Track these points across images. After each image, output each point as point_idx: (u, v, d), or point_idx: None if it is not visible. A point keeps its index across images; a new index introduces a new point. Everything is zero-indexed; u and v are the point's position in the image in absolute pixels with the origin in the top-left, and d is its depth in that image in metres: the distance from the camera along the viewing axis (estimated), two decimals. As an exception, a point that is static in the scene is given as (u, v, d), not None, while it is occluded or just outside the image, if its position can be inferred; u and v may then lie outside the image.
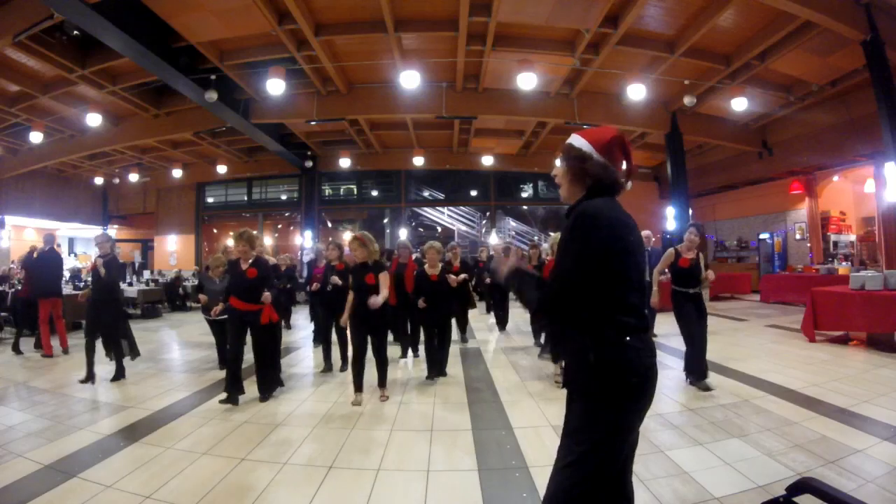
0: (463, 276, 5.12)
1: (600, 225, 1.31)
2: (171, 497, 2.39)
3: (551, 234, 5.13)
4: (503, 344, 6.61)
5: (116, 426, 3.41)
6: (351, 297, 4.03)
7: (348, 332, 4.26)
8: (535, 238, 15.67)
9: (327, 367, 5.11)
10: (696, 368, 4.16)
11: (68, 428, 3.37)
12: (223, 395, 3.93)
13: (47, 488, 2.44)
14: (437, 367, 4.75)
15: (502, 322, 7.76)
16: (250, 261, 4.03)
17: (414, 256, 5.69)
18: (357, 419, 3.56)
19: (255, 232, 4.18)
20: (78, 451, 2.94)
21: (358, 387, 3.96)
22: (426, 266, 4.81)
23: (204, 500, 2.37)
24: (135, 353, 5.44)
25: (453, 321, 6.64)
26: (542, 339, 5.85)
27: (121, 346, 4.91)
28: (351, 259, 4.33)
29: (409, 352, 5.74)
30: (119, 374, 4.76)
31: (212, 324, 5.04)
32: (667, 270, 4.38)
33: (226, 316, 4.22)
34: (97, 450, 2.97)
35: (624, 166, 1.47)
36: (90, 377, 4.64)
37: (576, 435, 1.34)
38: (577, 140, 1.49)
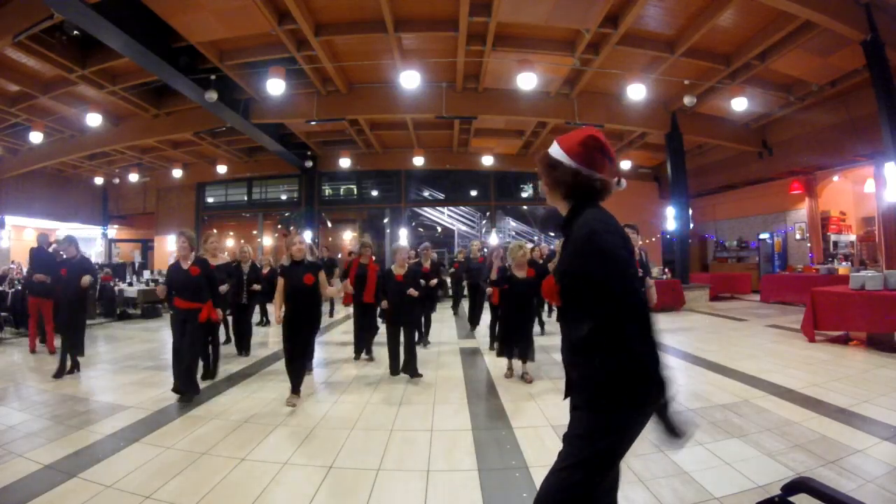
0: (411, 290, 4.81)
1: (614, 244, 1.31)
2: (171, 497, 2.38)
3: (524, 241, 5.15)
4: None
5: (116, 426, 3.40)
6: (279, 298, 3.98)
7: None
8: (535, 238, 15.69)
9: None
10: None
11: (68, 428, 3.37)
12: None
13: (47, 488, 2.44)
14: (407, 367, 4.71)
15: (475, 322, 7.56)
16: (191, 260, 4.12)
17: (374, 257, 5.71)
18: (356, 420, 3.56)
19: (193, 234, 4.31)
20: (78, 451, 2.94)
21: (295, 388, 3.97)
22: (394, 266, 4.89)
23: (204, 500, 2.37)
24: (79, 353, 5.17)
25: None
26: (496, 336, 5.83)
27: (81, 347, 4.97)
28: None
29: (363, 352, 5.64)
30: (73, 368, 4.85)
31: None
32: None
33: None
34: (97, 450, 2.97)
35: (602, 167, 1.44)
36: (74, 366, 4.90)
37: (579, 440, 1.33)
38: (553, 147, 1.49)
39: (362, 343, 5.61)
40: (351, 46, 8.10)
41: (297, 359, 3.99)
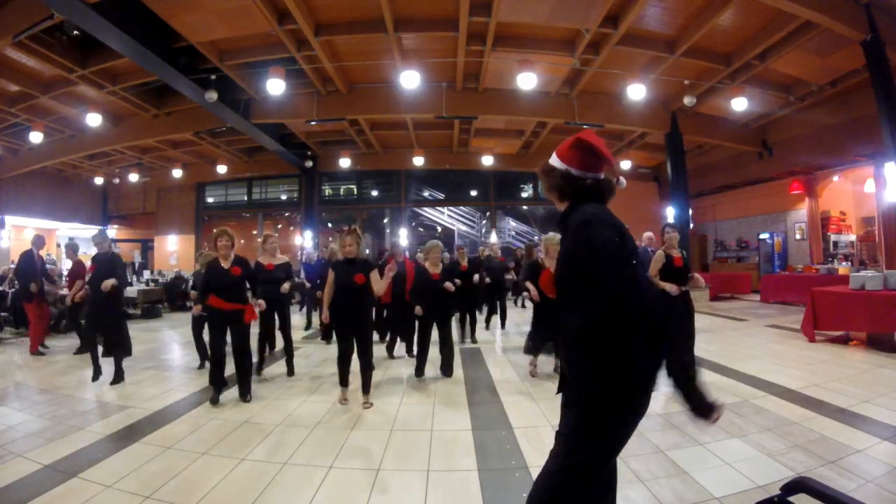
0: (447, 284, 4.81)
1: (605, 237, 1.31)
2: (171, 497, 2.39)
3: (547, 235, 4.96)
4: (502, 343, 6.61)
5: (116, 426, 3.40)
6: (328, 292, 3.87)
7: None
8: (535, 238, 15.69)
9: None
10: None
11: (68, 428, 3.36)
12: (214, 397, 3.96)
13: (47, 488, 2.44)
14: (446, 366, 4.78)
15: (503, 320, 7.81)
16: (231, 259, 4.01)
17: (407, 255, 5.71)
18: (357, 419, 3.56)
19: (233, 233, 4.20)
20: (78, 451, 2.94)
21: (345, 383, 3.96)
22: (427, 264, 4.79)
23: (204, 500, 2.37)
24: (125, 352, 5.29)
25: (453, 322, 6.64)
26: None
27: (122, 347, 4.81)
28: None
29: (404, 352, 5.75)
30: (118, 377, 4.63)
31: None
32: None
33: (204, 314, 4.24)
34: (97, 450, 2.97)
35: (595, 166, 1.47)
36: (98, 373, 4.64)
37: (571, 438, 1.33)
38: (552, 156, 1.55)
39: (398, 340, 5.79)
40: (351, 46, 8.09)
41: (350, 360, 3.90)
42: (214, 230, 4.14)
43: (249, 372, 4.13)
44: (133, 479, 2.56)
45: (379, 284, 3.80)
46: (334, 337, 4.12)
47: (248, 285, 4.18)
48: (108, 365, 4.73)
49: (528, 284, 4.59)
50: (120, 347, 4.78)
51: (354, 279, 3.74)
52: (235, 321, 3.99)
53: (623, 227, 1.39)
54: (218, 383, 4.00)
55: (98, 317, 4.75)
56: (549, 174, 1.53)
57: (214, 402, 3.91)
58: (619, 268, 1.28)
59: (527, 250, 5.55)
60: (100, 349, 4.72)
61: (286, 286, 4.94)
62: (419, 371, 4.71)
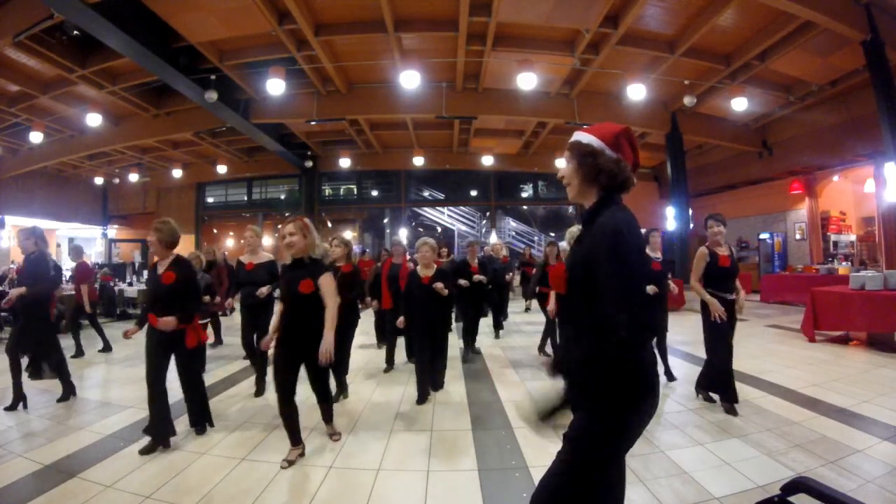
0: (438, 284, 4.01)
1: (637, 243, 1.30)
2: (171, 497, 2.39)
3: (570, 231, 4.53)
4: (502, 343, 6.60)
5: (116, 426, 3.40)
6: (278, 312, 2.98)
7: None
8: (536, 238, 15.72)
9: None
10: (722, 386, 3.66)
11: (68, 428, 3.37)
12: (145, 442, 2.96)
13: (47, 488, 2.45)
14: (432, 382, 4.19)
15: (498, 325, 7.36)
16: (168, 261, 3.09)
17: (409, 256, 5.42)
18: (356, 420, 3.56)
19: (173, 224, 3.14)
20: (78, 451, 2.94)
21: (295, 440, 2.85)
22: (419, 267, 4.11)
23: (204, 500, 2.37)
24: (48, 374, 4.01)
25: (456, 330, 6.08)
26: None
27: (57, 360, 3.97)
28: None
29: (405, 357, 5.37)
30: (68, 392, 4.01)
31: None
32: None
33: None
34: (97, 450, 2.97)
35: (631, 160, 1.43)
36: (18, 399, 3.77)
37: (577, 441, 1.33)
38: (584, 136, 1.42)
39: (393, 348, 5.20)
40: (351, 46, 8.09)
41: (293, 402, 2.84)
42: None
43: (201, 403, 3.30)
44: (133, 479, 2.56)
45: (333, 298, 2.82)
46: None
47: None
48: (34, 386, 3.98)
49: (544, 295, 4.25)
50: (56, 361, 3.96)
51: (299, 288, 2.78)
52: (174, 346, 3.04)
53: (642, 236, 1.38)
54: (156, 429, 2.96)
55: (25, 332, 3.85)
56: (595, 157, 1.37)
57: (164, 445, 2.96)
58: (636, 279, 1.28)
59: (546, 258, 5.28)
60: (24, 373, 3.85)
61: (264, 290, 4.18)
62: (421, 397, 4.03)
